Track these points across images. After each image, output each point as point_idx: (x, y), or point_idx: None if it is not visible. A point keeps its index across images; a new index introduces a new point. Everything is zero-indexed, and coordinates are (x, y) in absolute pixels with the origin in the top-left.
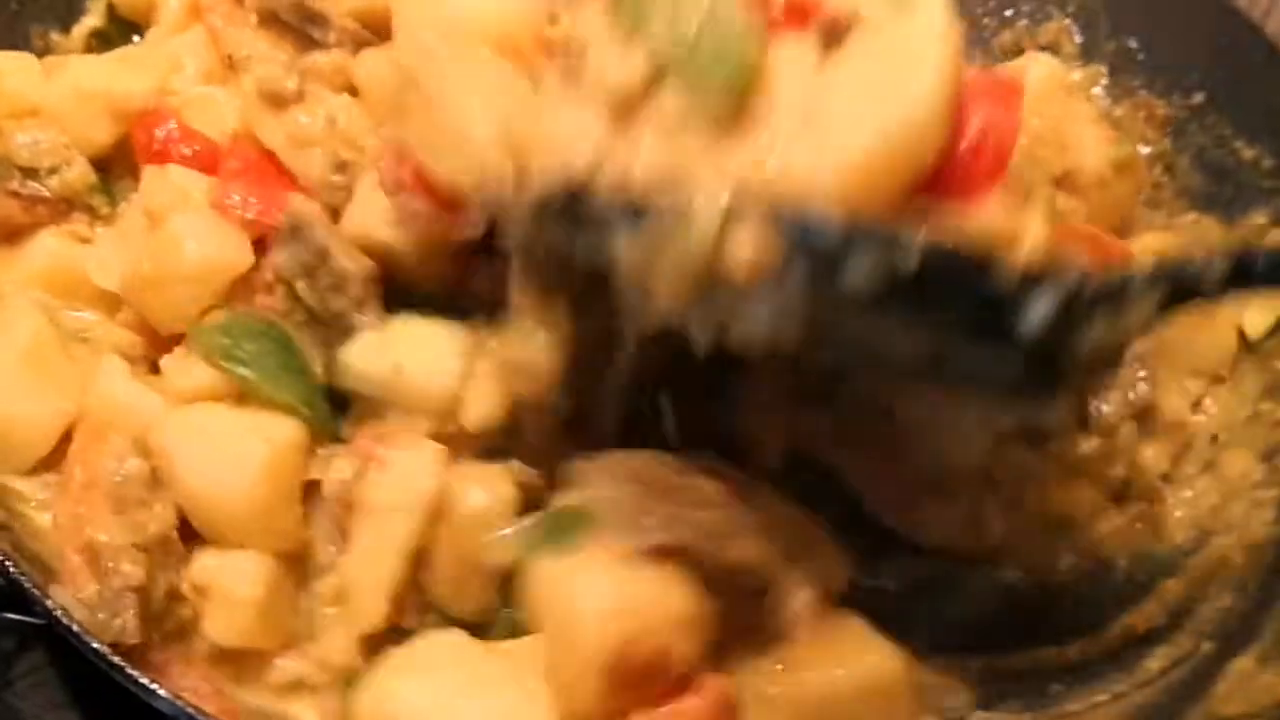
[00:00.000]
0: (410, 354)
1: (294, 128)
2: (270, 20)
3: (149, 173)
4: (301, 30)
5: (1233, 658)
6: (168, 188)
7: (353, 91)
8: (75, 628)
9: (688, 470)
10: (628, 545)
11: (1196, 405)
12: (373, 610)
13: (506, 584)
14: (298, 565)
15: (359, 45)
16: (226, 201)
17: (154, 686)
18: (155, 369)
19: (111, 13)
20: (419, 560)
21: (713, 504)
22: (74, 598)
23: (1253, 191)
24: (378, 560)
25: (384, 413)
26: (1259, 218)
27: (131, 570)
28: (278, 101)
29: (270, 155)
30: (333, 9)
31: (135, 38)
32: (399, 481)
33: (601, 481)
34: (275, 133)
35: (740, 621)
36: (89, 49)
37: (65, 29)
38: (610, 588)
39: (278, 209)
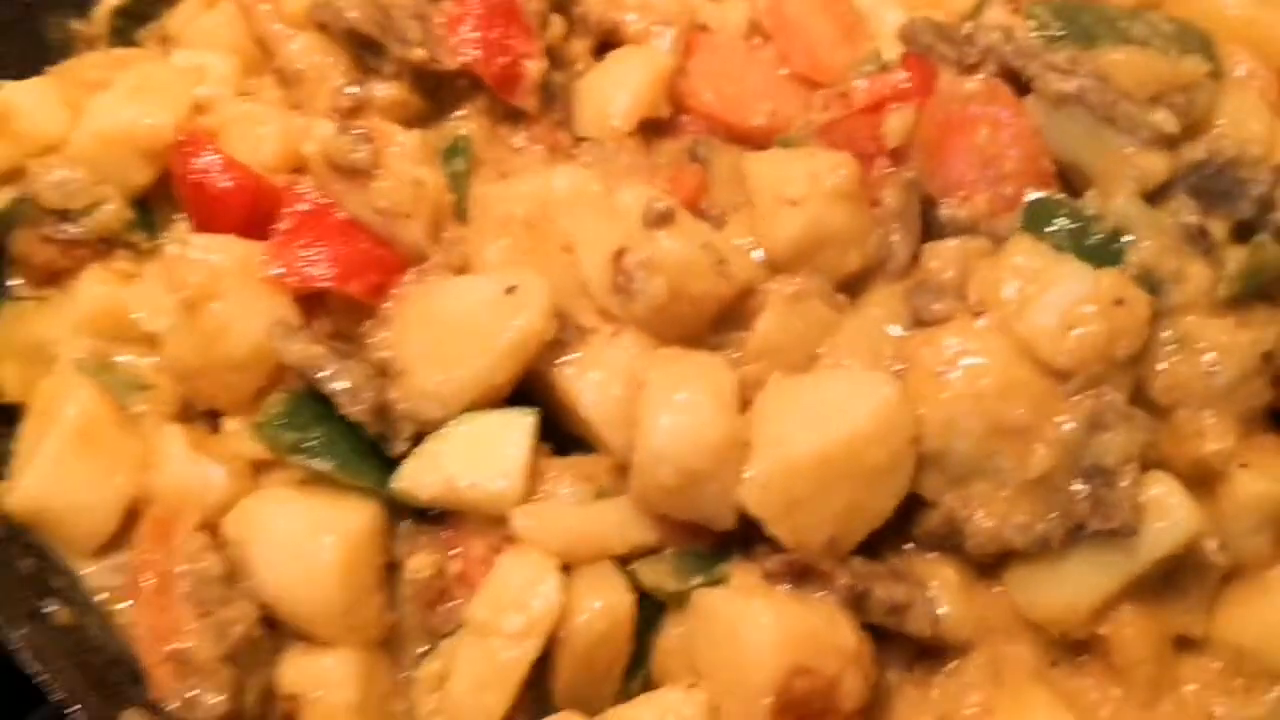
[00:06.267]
0: (463, 461)
1: (384, 201)
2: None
3: (169, 259)
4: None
5: None
6: (195, 270)
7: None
8: None
9: None
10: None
11: None
12: None
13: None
14: (389, 647)
15: (418, 78)
16: (272, 274)
17: None
18: (216, 426)
19: None
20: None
21: None
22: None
23: None
24: (490, 688)
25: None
26: None
27: (216, 702)
28: (353, 173)
29: (327, 208)
30: (393, 41)
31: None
32: (511, 602)
33: None
34: (363, 208)
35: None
36: (114, 31)
37: (83, 13)
38: (777, 614)
39: (335, 263)
